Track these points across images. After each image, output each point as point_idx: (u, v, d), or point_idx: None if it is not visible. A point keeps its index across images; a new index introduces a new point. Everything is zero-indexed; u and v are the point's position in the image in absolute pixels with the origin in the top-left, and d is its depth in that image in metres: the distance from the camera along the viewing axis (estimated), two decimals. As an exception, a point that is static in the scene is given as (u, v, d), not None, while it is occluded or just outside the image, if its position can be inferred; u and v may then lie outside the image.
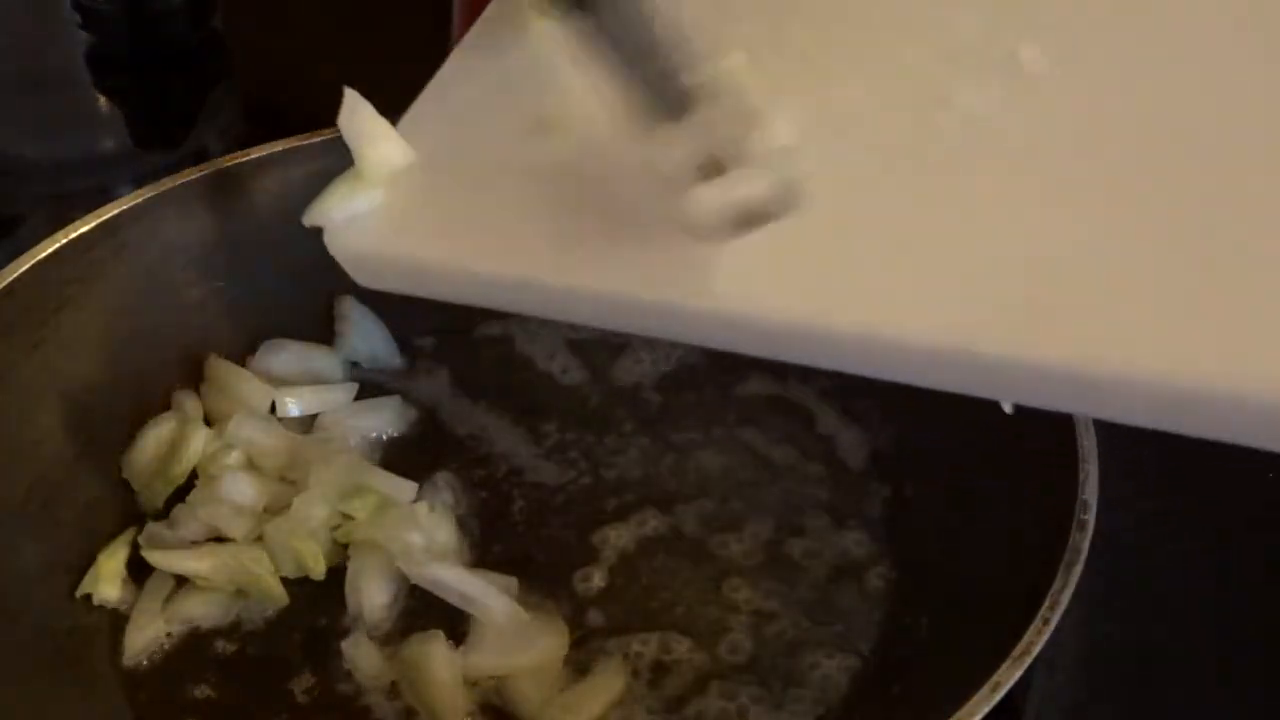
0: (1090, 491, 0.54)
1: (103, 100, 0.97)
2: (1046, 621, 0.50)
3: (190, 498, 0.66)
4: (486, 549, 0.66)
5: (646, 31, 0.48)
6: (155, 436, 0.69)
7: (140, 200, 0.70)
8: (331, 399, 0.72)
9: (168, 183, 0.71)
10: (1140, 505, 0.66)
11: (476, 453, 0.70)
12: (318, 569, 0.63)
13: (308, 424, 0.71)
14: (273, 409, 0.70)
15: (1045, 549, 0.53)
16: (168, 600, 0.63)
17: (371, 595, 0.62)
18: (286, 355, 0.73)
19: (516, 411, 0.72)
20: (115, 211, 0.69)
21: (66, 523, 0.65)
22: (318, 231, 0.75)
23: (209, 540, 0.65)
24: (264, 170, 0.73)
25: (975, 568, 0.59)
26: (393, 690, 0.60)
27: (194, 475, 0.68)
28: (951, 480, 0.64)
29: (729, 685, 0.59)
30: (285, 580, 0.64)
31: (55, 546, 0.64)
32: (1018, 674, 0.49)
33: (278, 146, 0.73)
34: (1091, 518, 0.54)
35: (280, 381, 0.72)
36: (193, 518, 0.65)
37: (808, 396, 0.72)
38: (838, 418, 0.71)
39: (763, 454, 0.70)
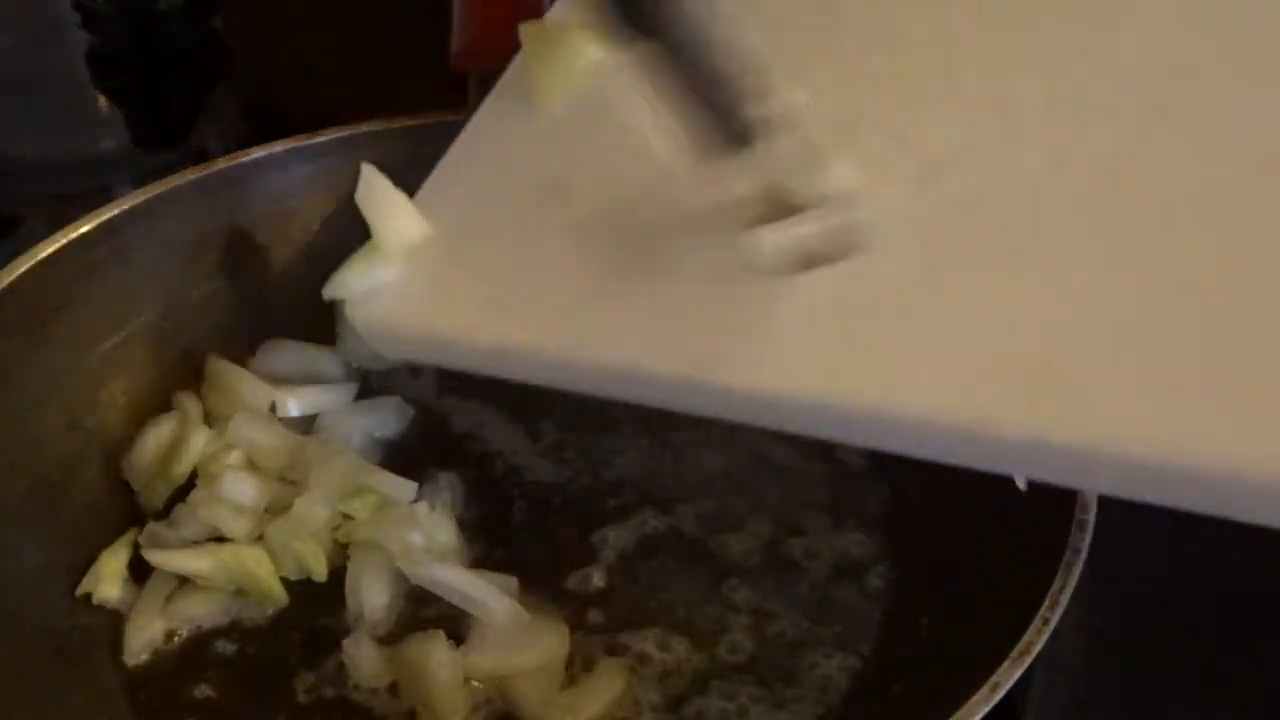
0: (1090, 492, 0.54)
1: (103, 100, 0.97)
2: (1046, 621, 0.50)
3: (190, 498, 0.66)
4: (486, 548, 0.66)
5: (710, 58, 0.45)
6: (155, 436, 0.69)
7: (140, 200, 0.70)
8: (331, 399, 0.72)
9: (168, 183, 0.71)
10: (1140, 505, 0.66)
11: (476, 452, 0.70)
12: (320, 570, 0.63)
13: (308, 424, 0.71)
14: (273, 409, 0.70)
15: (1045, 549, 0.53)
16: (168, 600, 0.63)
17: (371, 595, 0.62)
18: (286, 355, 0.73)
19: (515, 411, 0.72)
20: (115, 211, 0.69)
21: (66, 523, 0.65)
22: (318, 232, 0.75)
23: (209, 540, 0.65)
24: (264, 170, 0.73)
25: (975, 568, 0.59)
26: (393, 690, 0.60)
27: (194, 475, 0.68)
28: (951, 480, 0.64)
29: (729, 685, 0.59)
30: (285, 580, 0.64)
31: (55, 546, 0.64)
32: (1017, 674, 0.49)
33: (278, 146, 0.73)
34: (1091, 518, 0.54)
35: (280, 381, 0.72)
36: (193, 518, 0.65)
37: (808, 396, 0.72)
38: (838, 418, 0.71)
39: (763, 454, 0.70)
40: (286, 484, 0.67)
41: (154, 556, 0.63)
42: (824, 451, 0.70)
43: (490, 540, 0.66)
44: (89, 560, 0.64)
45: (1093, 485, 0.51)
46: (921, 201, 0.49)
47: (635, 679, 0.60)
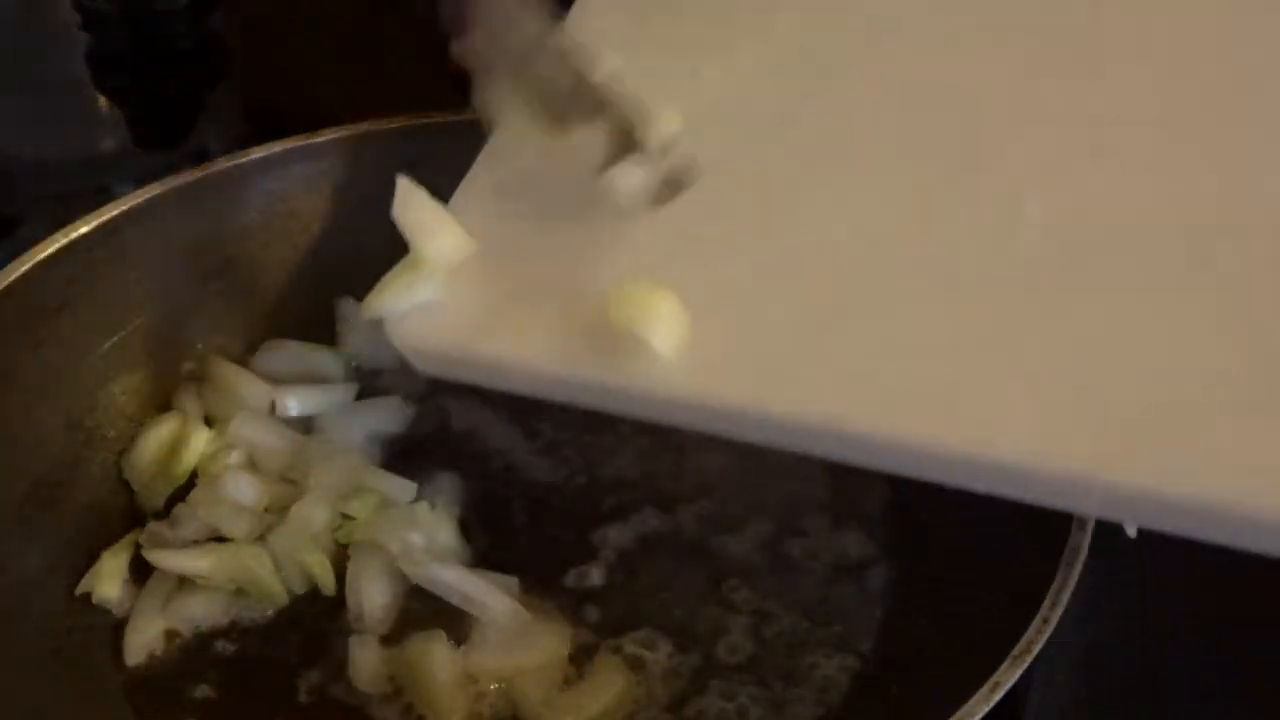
0: (1090, 491, 0.54)
1: (103, 100, 0.97)
2: (1046, 621, 0.50)
3: (190, 498, 0.66)
4: (485, 548, 0.66)
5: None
6: (155, 436, 0.69)
7: (140, 200, 0.70)
8: (331, 399, 0.72)
9: (168, 183, 0.71)
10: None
11: (474, 452, 0.70)
12: (328, 582, 0.63)
13: (308, 424, 0.71)
14: (273, 409, 0.70)
15: (1045, 549, 0.53)
16: (168, 600, 0.63)
17: (371, 595, 0.62)
18: (286, 355, 0.73)
19: (515, 411, 0.72)
20: (115, 211, 0.69)
21: (66, 523, 0.65)
22: (318, 231, 0.75)
23: (209, 540, 0.65)
24: (264, 170, 0.73)
25: (975, 568, 0.59)
26: (393, 690, 0.60)
27: (194, 475, 0.68)
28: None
29: (729, 685, 0.59)
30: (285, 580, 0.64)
31: (55, 546, 0.64)
32: (1017, 674, 0.49)
33: (277, 146, 0.73)
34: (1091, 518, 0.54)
35: (280, 381, 0.72)
36: (193, 518, 0.65)
37: (808, 396, 0.72)
38: (838, 418, 0.71)
39: (763, 454, 0.70)
40: (286, 484, 0.67)
41: (154, 556, 0.64)
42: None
43: (489, 540, 0.66)
44: (89, 560, 0.64)
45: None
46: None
47: (635, 679, 0.60)
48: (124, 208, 0.69)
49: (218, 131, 0.94)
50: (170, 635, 0.63)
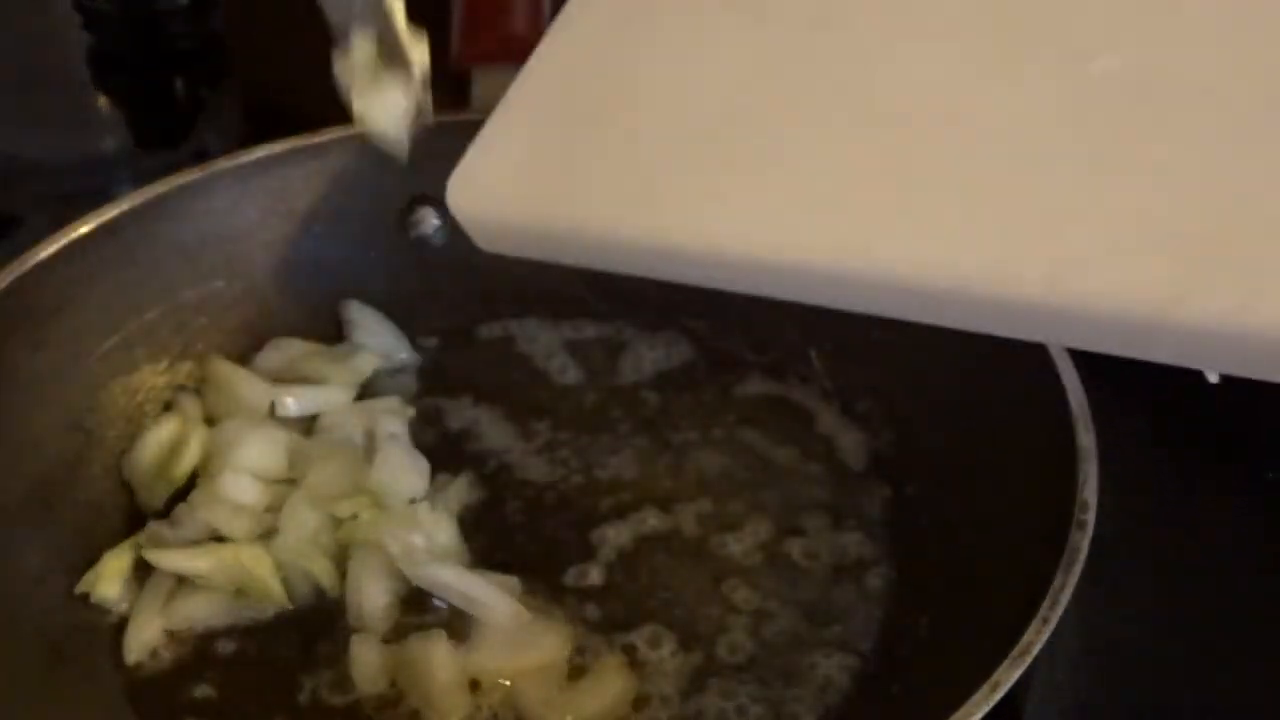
0: (1090, 491, 0.54)
1: (103, 100, 0.97)
2: (1046, 621, 0.50)
3: (190, 498, 0.66)
4: (484, 548, 0.66)
5: None
6: (155, 436, 0.69)
7: (140, 200, 0.70)
8: (331, 399, 0.72)
9: (168, 183, 0.71)
10: (1140, 505, 0.66)
11: (472, 451, 0.70)
12: (333, 584, 0.63)
13: (308, 424, 0.71)
14: (273, 409, 0.70)
15: (1045, 549, 0.53)
16: (168, 600, 0.63)
17: (371, 595, 0.62)
18: (286, 355, 0.73)
19: (514, 411, 0.72)
20: (115, 211, 0.69)
21: (66, 523, 0.65)
22: (318, 231, 0.75)
23: (209, 540, 0.65)
24: (264, 170, 0.73)
25: (975, 568, 0.60)
26: (393, 690, 0.60)
27: (194, 475, 0.68)
28: (951, 480, 0.64)
29: (729, 685, 0.59)
30: (285, 580, 0.64)
31: (55, 546, 0.64)
32: (1017, 674, 0.49)
33: (277, 146, 0.73)
34: (1091, 518, 0.54)
35: (280, 381, 0.72)
36: (193, 517, 0.65)
37: (808, 396, 0.72)
38: (838, 418, 0.71)
39: (763, 454, 0.70)
40: (286, 484, 0.67)
41: (154, 556, 0.63)
42: (824, 451, 0.70)
43: (488, 539, 0.66)
44: (89, 560, 0.64)
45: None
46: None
47: (635, 679, 0.60)
48: (124, 208, 0.69)
49: (218, 131, 0.94)
50: (170, 635, 0.63)
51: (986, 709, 0.48)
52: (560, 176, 0.54)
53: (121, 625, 0.63)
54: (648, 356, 0.75)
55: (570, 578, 0.64)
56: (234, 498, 0.65)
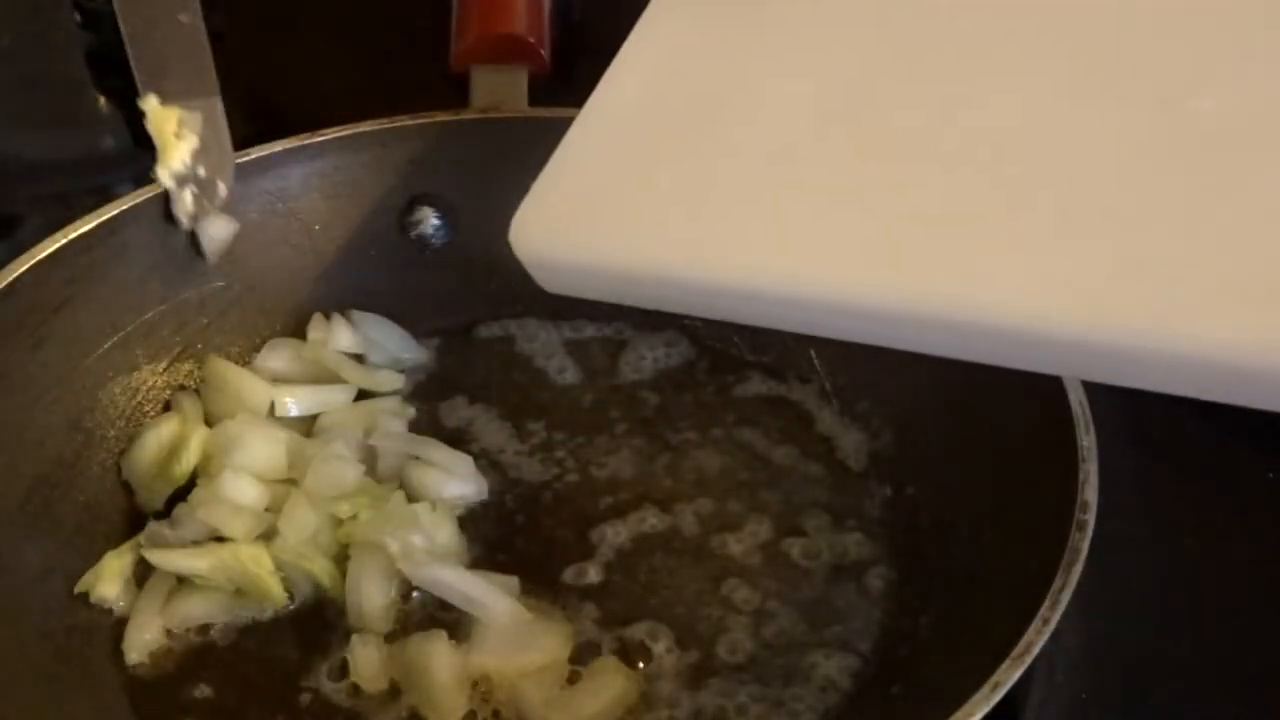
0: (1090, 491, 0.54)
1: (103, 100, 0.97)
2: (1046, 621, 0.50)
3: (190, 498, 0.66)
4: (483, 547, 0.66)
5: None
6: (155, 436, 0.69)
7: (140, 200, 0.70)
8: (331, 399, 0.72)
9: (168, 182, 0.71)
10: (1140, 505, 0.66)
11: (472, 451, 0.70)
12: (334, 585, 0.63)
13: (308, 424, 0.71)
14: (273, 409, 0.70)
15: (1045, 549, 0.53)
16: (168, 600, 0.63)
17: (372, 595, 0.62)
18: (286, 355, 0.73)
19: (513, 411, 0.72)
20: (115, 211, 0.69)
21: (66, 523, 0.65)
22: (318, 231, 0.75)
23: (209, 540, 0.65)
24: (264, 170, 0.73)
25: (975, 568, 0.60)
26: (393, 690, 0.60)
27: (194, 475, 0.68)
28: (951, 480, 0.64)
29: (728, 685, 0.59)
30: (285, 580, 0.64)
31: (55, 546, 0.64)
32: (1018, 674, 0.49)
33: (278, 146, 0.73)
34: (1091, 518, 0.54)
35: (280, 381, 0.72)
36: (193, 517, 0.65)
37: (808, 396, 0.72)
38: (838, 418, 0.71)
39: (763, 454, 0.70)
40: (286, 484, 0.67)
41: (154, 556, 0.63)
42: (824, 451, 0.70)
43: (488, 539, 0.66)
44: (89, 560, 0.64)
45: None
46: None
47: (635, 678, 0.60)
48: (124, 208, 0.69)
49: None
50: (170, 635, 0.63)
51: (986, 709, 0.48)
52: (626, 216, 0.52)
53: (121, 625, 0.63)
54: (648, 356, 0.75)
55: (570, 577, 0.64)
56: (234, 498, 0.65)
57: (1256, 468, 0.68)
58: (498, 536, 0.66)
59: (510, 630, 0.61)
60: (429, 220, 0.76)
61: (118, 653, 0.62)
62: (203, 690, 0.61)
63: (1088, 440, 0.56)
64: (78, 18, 0.97)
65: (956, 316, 0.45)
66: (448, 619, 0.62)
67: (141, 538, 0.65)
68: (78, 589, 0.63)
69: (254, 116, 0.96)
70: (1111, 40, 0.50)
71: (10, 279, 0.65)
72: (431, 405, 0.73)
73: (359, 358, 0.74)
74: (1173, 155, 0.46)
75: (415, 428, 0.71)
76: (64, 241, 0.67)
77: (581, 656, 0.61)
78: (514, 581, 0.63)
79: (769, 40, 0.55)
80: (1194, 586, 0.64)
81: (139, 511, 0.67)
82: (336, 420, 0.71)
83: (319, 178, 0.74)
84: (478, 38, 0.81)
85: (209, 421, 0.70)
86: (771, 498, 0.67)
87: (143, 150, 0.90)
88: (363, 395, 0.73)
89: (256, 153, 0.73)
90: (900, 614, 0.62)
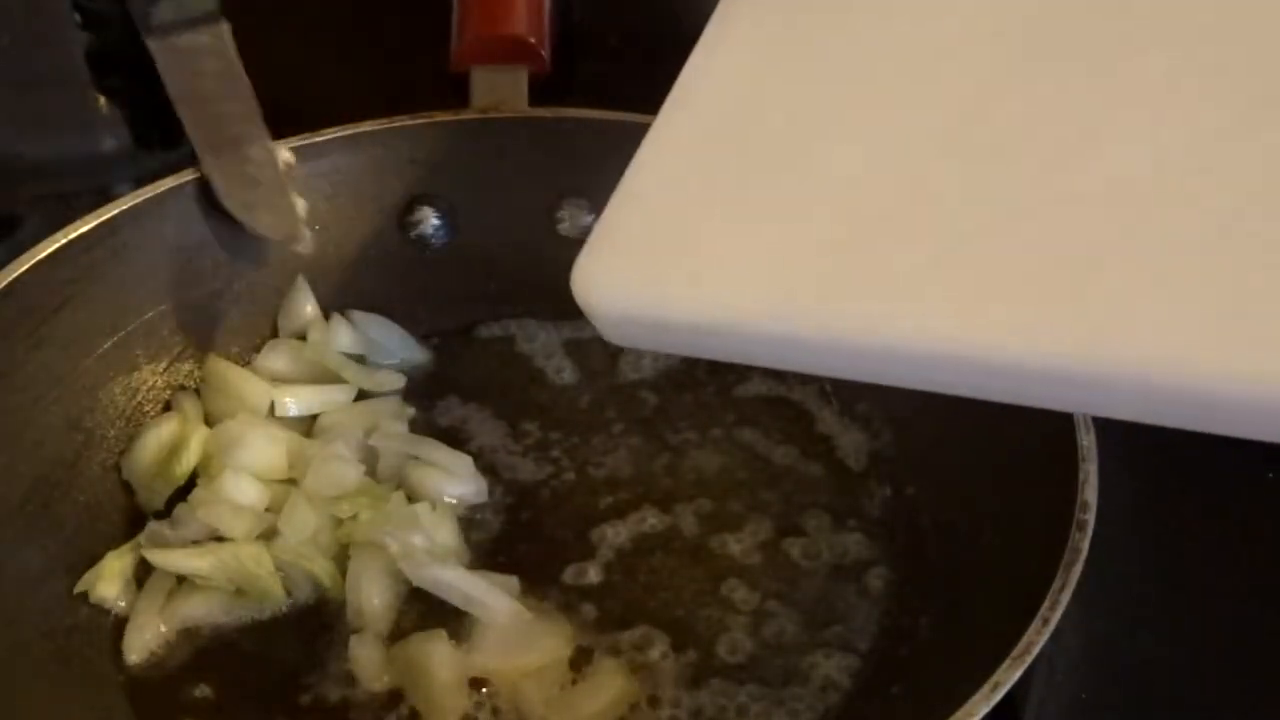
0: (1090, 491, 0.54)
1: (103, 100, 0.97)
2: (1046, 621, 0.50)
3: (190, 498, 0.66)
4: (483, 547, 0.66)
5: None
6: (155, 436, 0.69)
7: (140, 200, 0.70)
8: (331, 399, 0.72)
9: (168, 183, 0.71)
10: (1140, 505, 0.66)
11: (470, 451, 0.70)
12: (335, 586, 0.63)
13: (308, 424, 0.71)
14: (273, 409, 0.70)
15: (1045, 549, 0.53)
16: (168, 600, 0.63)
17: (372, 595, 0.62)
18: (286, 355, 0.73)
19: (512, 411, 0.72)
20: (115, 211, 0.69)
21: (66, 523, 0.65)
22: (318, 231, 0.75)
23: (210, 540, 0.65)
24: (264, 170, 0.73)
25: (975, 568, 0.60)
26: (393, 690, 0.60)
27: (194, 475, 0.68)
28: (951, 480, 0.64)
29: (728, 684, 0.59)
30: (285, 580, 0.64)
31: (55, 546, 0.64)
32: (1018, 674, 0.49)
33: (277, 146, 0.73)
34: (1091, 518, 0.54)
35: (280, 381, 0.72)
36: (193, 517, 0.65)
37: (808, 396, 0.72)
38: (838, 418, 0.71)
39: (763, 454, 0.70)
40: (286, 484, 0.67)
41: (154, 555, 0.63)
42: (824, 451, 0.70)
43: (488, 539, 0.66)
44: (89, 560, 0.64)
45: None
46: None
47: (635, 679, 0.60)
48: (124, 208, 0.69)
49: (218, 131, 0.94)
50: (170, 635, 0.63)
51: (986, 709, 0.48)
52: (703, 260, 0.46)
53: (121, 625, 0.63)
54: (647, 356, 0.75)
55: (570, 577, 0.64)
56: (234, 498, 0.65)
57: (1257, 468, 0.68)
58: (498, 536, 0.66)
59: (510, 630, 0.61)
60: (429, 220, 0.76)
61: (118, 653, 0.62)
62: (203, 690, 0.61)
63: (1088, 440, 0.56)
64: (78, 18, 0.97)
65: (1113, 376, 0.40)
66: (448, 619, 0.62)
67: (141, 538, 0.65)
68: (78, 589, 0.63)
69: (254, 116, 0.96)
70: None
71: (10, 279, 0.65)
72: (431, 405, 0.73)
73: (359, 358, 0.74)
74: None
75: (415, 428, 0.71)
76: (64, 241, 0.67)
77: (582, 656, 0.61)
78: (514, 581, 0.63)
79: (856, 57, 0.50)
80: (1194, 587, 0.64)
81: (139, 511, 0.67)
82: (336, 420, 0.71)
83: (319, 178, 0.74)
84: (478, 38, 0.82)
85: (209, 421, 0.70)
86: (771, 498, 0.67)
87: (143, 150, 0.91)
88: (363, 395, 0.73)
89: (256, 153, 0.73)
90: (900, 614, 0.62)
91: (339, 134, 0.74)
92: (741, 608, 0.63)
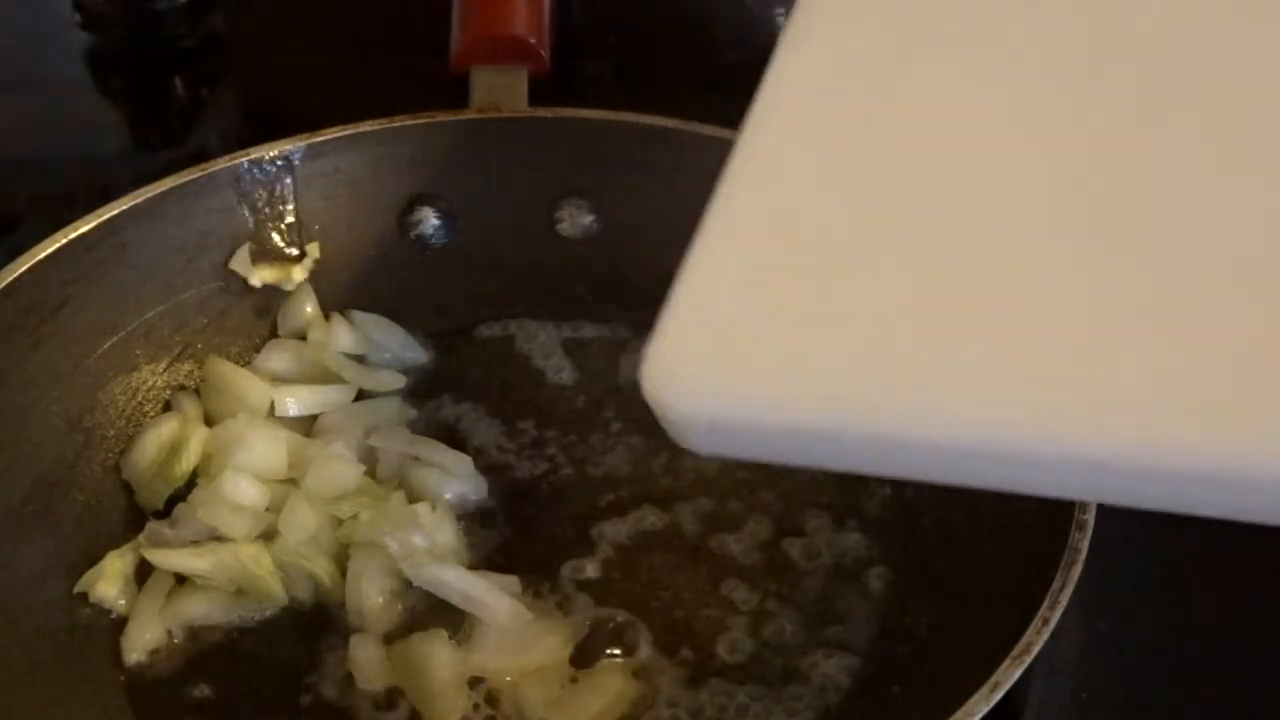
0: (1090, 491, 0.54)
1: (103, 100, 0.97)
2: (1046, 621, 0.50)
3: (190, 498, 0.66)
4: (483, 547, 0.66)
5: None
6: (155, 436, 0.69)
7: (140, 200, 0.70)
8: (331, 399, 0.72)
9: (168, 183, 0.71)
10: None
11: (471, 451, 0.70)
12: (335, 586, 0.63)
13: (308, 424, 0.71)
14: (273, 409, 0.70)
15: (1045, 549, 0.53)
16: (168, 600, 0.63)
17: (371, 595, 0.62)
18: (286, 355, 0.73)
19: (512, 411, 0.72)
20: (115, 211, 0.69)
21: (66, 523, 0.65)
22: (318, 232, 0.75)
23: (210, 540, 0.65)
24: (264, 170, 0.73)
25: (975, 568, 0.60)
26: (393, 690, 0.60)
27: (194, 475, 0.68)
28: (951, 480, 0.64)
29: (727, 684, 0.59)
30: (285, 579, 0.64)
31: (55, 546, 0.64)
32: (1017, 674, 0.49)
33: (278, 146, 0.73)
34: (1091, 518, 0.54)
35: (280, 381, 0.72)
36: (193, 517, 0.65)
37: (807, 396, 0.72)
38: (837, 418, 0.71)
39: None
40: (286, 484, 0.67)
41: (154, 555, 0.63)
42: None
43: (488, 539, 0.66)
44: (89, 560, 0.64)
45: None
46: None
47: (635, 678, 0.60)
48: (124, 208, 0.69)
49: (218, 131, 0.94)
50: (170, 635, 0.63)
51: (986, 709, 0.48)
52: (789, 352, 0.37)
53: (121, 625, 0.63)
54: (649, 355, 0.75)
55: (570, 577, 0.64)
56: (234, 498, 0.65)
57: (1256, 468, 0.68)
58: (498, 536, 0.66)
59: (510, 630, 0.61)
60: (429, 220, 0.76)
61: (118, 653, 0.62)
62: (203, 690, 0.61)
63: (1088, 440, 0.56)
64: (78, 18, 0.97)
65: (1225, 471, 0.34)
66: (448, 619, 0.62)
67: (141, 538, 0.65)
68: (78, 589, 0.63)
69: (254, 116, 0.96)
70: None
71: (10, 279, 0.65)
72: (431, 405, 0.73)
73: (359, 358, 0.74)
74: None
75: (415, 428, 0.71)
76: (64, 241, 0.67)
77: (582, 656, 0.61)
78: (514, 581, 0.63)
79: (952, 104, 0.41)
80: (1194, 586, 0.64)
81: (139, 511, 0.67)
82: (336, 420, 0.70)
83: (319, 178, 0.74)
84: (478, 38, 0.82)
85: (209, 421, 0.70)
86: (771, 497, 0.67)
87: (143, 150, 0.91)
88: (363, 395, 0.73)
89: (256, 153, 0.73)
90: (900, 614, 0.62)
91: (339, 134, 0.74)
92: (741, 607, 0.63)
